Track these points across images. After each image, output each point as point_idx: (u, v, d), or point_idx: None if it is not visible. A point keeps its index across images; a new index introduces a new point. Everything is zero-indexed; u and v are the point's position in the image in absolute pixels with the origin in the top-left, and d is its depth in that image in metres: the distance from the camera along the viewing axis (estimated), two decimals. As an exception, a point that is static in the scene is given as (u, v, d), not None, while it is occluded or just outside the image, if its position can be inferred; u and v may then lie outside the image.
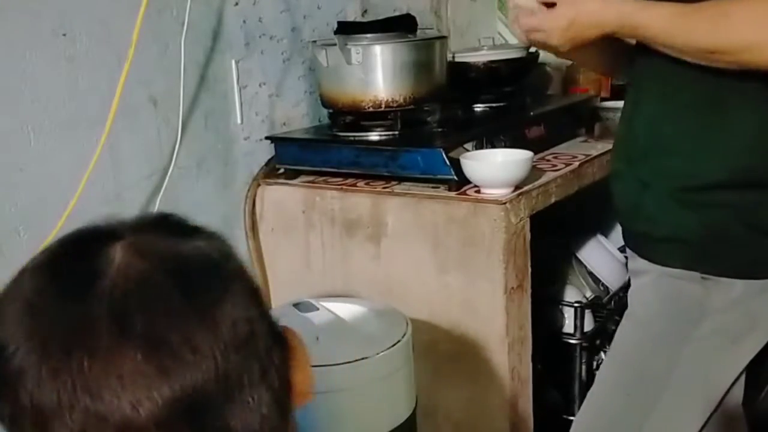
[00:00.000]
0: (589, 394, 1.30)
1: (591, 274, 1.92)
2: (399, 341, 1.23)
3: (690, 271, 1.13)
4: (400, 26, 1.66)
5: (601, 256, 1.90)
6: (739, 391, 1.23)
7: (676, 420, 1.18)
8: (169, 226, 0.54)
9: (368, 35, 1.61)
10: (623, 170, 1.21)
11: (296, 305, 1.34)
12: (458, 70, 1.82)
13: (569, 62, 2.11)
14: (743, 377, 1.22)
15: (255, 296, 0.51)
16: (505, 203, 1.40)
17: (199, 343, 0.46)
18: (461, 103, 1.86)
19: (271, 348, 0.50)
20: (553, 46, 1.20)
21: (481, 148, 1.58)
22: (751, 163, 1.08)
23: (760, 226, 1.10)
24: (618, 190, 1.23)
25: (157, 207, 1.45)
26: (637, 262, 1.21)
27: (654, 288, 1.18)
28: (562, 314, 1.81)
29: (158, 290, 0.47)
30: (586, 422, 1.28)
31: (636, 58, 1.19)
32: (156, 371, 0.44)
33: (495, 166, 1.46)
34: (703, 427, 1.19)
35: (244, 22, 1.63)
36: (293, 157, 1.66)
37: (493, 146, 1.60)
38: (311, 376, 0.53)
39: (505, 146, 1.60)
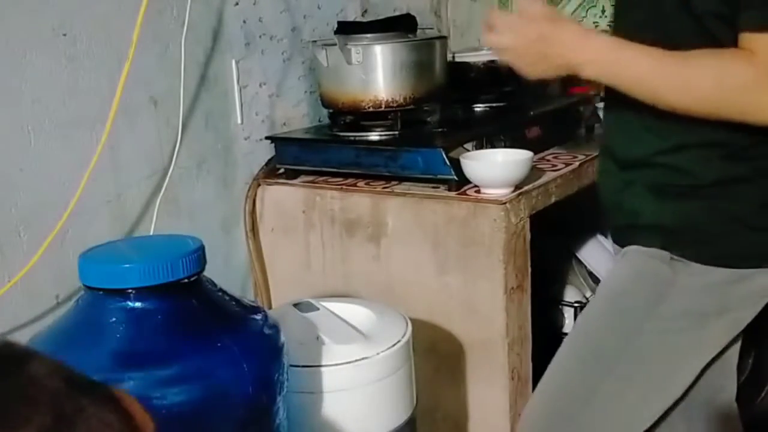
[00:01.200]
0: (551, 363, 1.29)
1: (591, 274, 1.92)
2: (399, 341, 1.23)
3: (663, 250, 1.13)
4: (400, 26, 1.66)
5: (601, 256, 1.90)
6: (731, 387, 1.23)
7: (629, 394, 1.17)
8: None
9: (368, 35, 1.61)
10: (609, 168, 1.23)
11: (296, 305, 1.34)
12: (458, 70, 1.82)
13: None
14: (732, 372, 1.21)
15: (53, 359, 0.53)
16: (505, 203, 1.40)
17: (28, 396, 0.47)
18: (461, 103, 1.86)
19: (93, 385, 0.52)
20: (517, 59, 1.15)
21: (481, 148, 1.58)
22: (731, 169, 1.09)
23: (737, 218, 1.10)
24: (603, 187, 1.25)
25: (157, 207, 1.45)
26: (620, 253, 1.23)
27: (627, 264, 1.19)
28: (562, 314, 1.81)
29: None
30: (543, 391, 1.27)
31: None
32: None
33: (495, 166, 1.46)
34: (669, 412, 1.18)
35: (244, 22, 1.63)
36: (293, 157, 1.66)
37: (493, 146, 1.60)
38: (144, 411, 0.55)
39: (505, 146, 1.60)
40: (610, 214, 1.26)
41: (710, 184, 1.10)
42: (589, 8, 2.28)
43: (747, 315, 1.15)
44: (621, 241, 1.23)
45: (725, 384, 1.23)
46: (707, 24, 1.03)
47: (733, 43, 1.01)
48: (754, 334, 1.26)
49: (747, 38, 0.99)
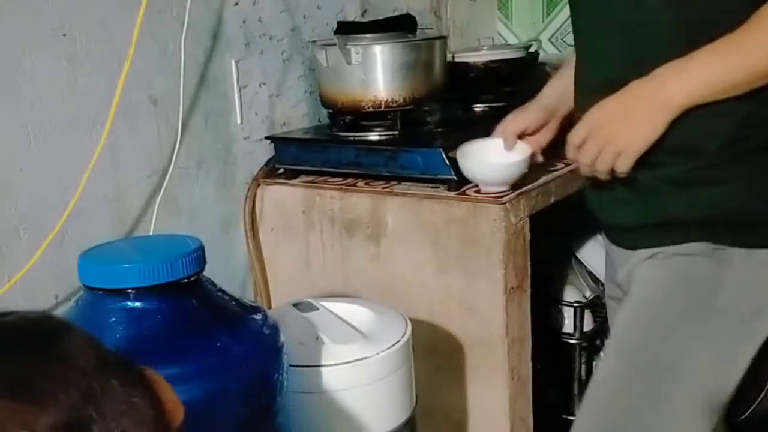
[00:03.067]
0: (590, 387, 1.20)
1: (591, 274, 1.92)
2: (399, 341, 1.23)
3: (703, 242, 1.05)
4: (399, 26, 1.66)
5: (601, 255, 1.89)
6: None
7: (688, 410, 1.09)
8: None
9: (368, 35, 1.61)
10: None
11: (296, 305, 1.34)
12: (458, 70, 1.82)
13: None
14: None
15: (88, 335, 0.53)
16: (505, 203, 1.40)
17: (58, 372, 0.48)
18: (461, 103, 1.86)
19: (124, 365, 0.52)
20: (610, 136, 1.03)
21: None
22: (749, 139, 1.02)
23: None
24: (598, 190, 1.16)
25: (157, 207, 1.45)
26: (634, 255, 1.13)
27: (663, 269, 1.09)
28: (562, 314, 1.81)
29: None
30: (593, 415, 1.16)
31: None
32: (28, 406, 0.45)
33: (491, 167, 1.42)
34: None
35: (244, 22, 1.63)
36: (293, 157, 1.66)
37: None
38: (174, 394, 0.55)
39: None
40: (608, 214, 1.18)
41: (731, 158, 1.02)
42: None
43: None
44: (634, 243, 1.14)
45: None
46: None
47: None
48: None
49: None
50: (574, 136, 1.09)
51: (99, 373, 0.49)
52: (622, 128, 1.03)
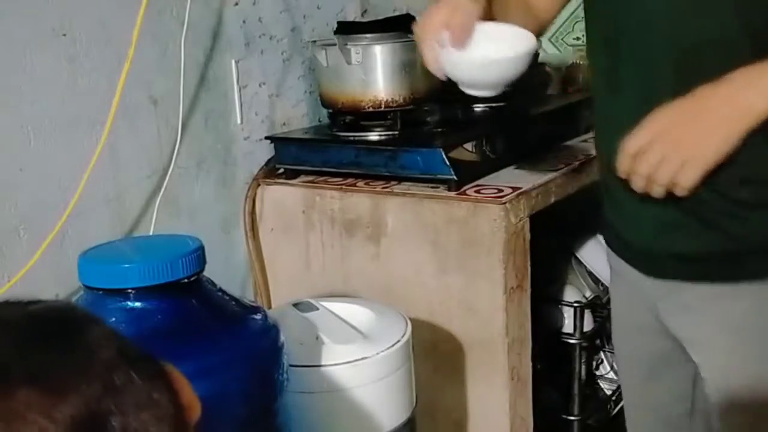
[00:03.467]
0: None
1: (590, 274, 1.92)
2: (399, 341, 1.23)
3: None
4: (399, 26, 1.66)
5: (601, 255, 1.89)
6: None
7: None
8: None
9: (368, 35, 1.61)
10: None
11: (296, 305, 1.34)
12: (458, 70, 1.81)
13: (569, 62, 2.11)
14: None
15: (111, 328, 0.53)
16: (505, 203, 1.40)
17: (79, 363, 0.48)
18: (461, 103, 1.86)
19: (144, 359, 0.52)
20: (677, 142, 0.89)
21: (481, 147, 1.58)
22: None
23: None
24: (643, 212, 1.03)
25: (157, 207, 1.45)
26: (690, 290, 1.02)
27: (751, 310, 0.98)
28: (562, 314, 1.81)
29: (20, 336, 0.49)
30: None
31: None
32: (49, 396, 0.46)
33: (480, 67, 1.09)
34: None
35: (244, 22, 1.63)
36: (293, 157, 1.66)
37: (493, 147, 1.60)
38: (191, 390, 0.55)
39: (505, 147, 1.60)
40: (651, 240, 1.04)
41: None
42: (576, 23, 2.27)
43: None
44: (691, 275, 1.01)
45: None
46: None
47: None
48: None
49: None
50: (632, 143, 0.93)
51: (120, 366, 0.49)
52: (693, 133, 0.89)
